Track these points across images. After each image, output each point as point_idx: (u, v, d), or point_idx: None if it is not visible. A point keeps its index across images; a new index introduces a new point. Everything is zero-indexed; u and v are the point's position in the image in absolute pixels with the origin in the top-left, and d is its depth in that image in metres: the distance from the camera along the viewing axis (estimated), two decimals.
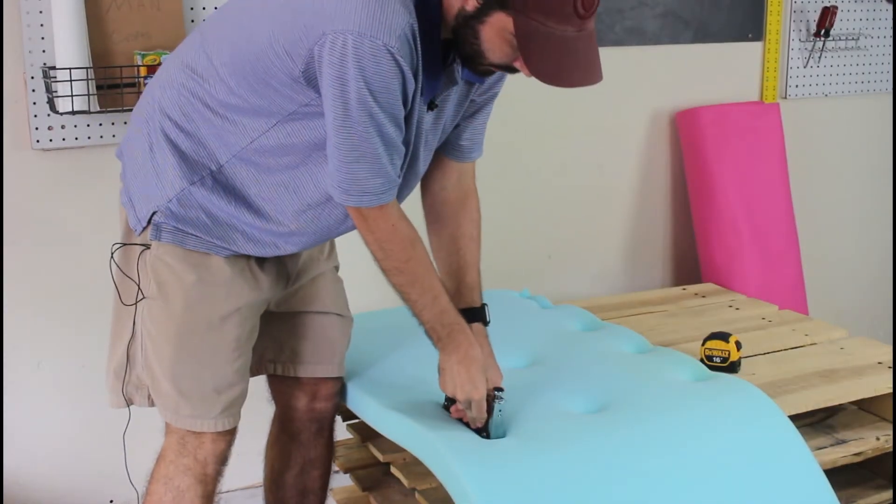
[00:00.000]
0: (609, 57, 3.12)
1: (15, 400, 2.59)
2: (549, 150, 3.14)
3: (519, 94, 3.01)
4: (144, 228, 1.83)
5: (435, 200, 2.02)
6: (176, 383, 1.86)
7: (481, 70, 1.73)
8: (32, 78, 2.43)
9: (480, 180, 3.06)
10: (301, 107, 1.72)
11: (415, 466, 2.02)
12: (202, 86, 1.78)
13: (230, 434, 1.93)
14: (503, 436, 1.86)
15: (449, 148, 1.98)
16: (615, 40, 3.13)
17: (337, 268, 2.14)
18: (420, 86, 1.70)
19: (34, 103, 2.45)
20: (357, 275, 2.85)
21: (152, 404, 1.93)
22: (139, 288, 1.86)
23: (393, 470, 2.10)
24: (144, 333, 1.87)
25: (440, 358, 1.88)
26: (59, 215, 2.57)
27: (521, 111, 3.04)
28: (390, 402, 1.99)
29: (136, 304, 1.87)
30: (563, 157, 3.17)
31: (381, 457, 2.14)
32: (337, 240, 2.18)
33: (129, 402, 1.94)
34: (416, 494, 2.03)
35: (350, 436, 2.33)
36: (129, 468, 2.04)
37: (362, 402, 2.07)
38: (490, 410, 1.87)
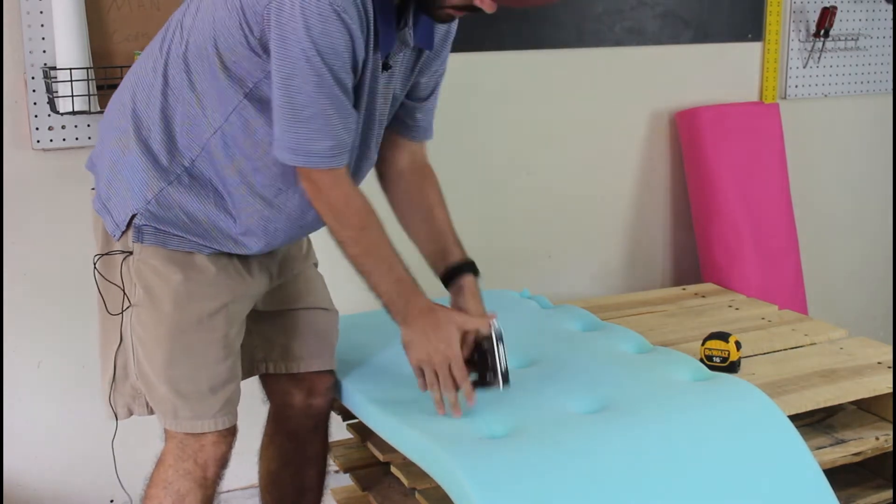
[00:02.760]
0: (609, 57, 3.16)
1: (15, 400, 2.60)
2: (549, 150, 3.15)
3: (519, 94, 3.03)
4: (124, 233, 1.83)
5: (395, 185, 2.04)
6: (172, 385, 1.86)
7: (442, 15, 1.75)
8: (33, 78, 2.44)
9: (482, 180, 3.06)
10: (259, 82, 1.73)
11: (415, 466, 2.02)
12: (172, 79, 1.79)
13: (230, 435, 1.94)
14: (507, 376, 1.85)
15: (403, 128, 2.00)
16: (615, 40, 3.14)
17: (316, 264, 2.16)
18: (372, 46, 1.72)
19: (34, 103, 2.45)
20: (353, 275, 2.85)
21: (152, 412, 1.93)
22: (125, 295, 1.86)
23: (393, 469, 2.10)
24: (135, 340, 1.87)
25: (403, 332, 1.87)
26: (59, 215, 2.57)
27: (520, 111, 3.05)
28: (389, 404, 1.99)
29: (122, 312, 1.87)
30: (563, 157, 3.17)
31: (381, 456, 2.14)
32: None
33: (128, 413, 1.95)
34: (416, 494, 2.03)
35: (350, 436, 2.33)
36: (119, 474, 2.04)
37: (361, 404, 2.07)
38: (491, 348, 1.84)
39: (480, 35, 2.94)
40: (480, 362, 1.89)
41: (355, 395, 2.10)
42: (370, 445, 2.18)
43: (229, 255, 1.89)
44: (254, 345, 2.06)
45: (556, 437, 1.84)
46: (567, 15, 3.04)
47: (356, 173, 1.91)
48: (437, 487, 1.87)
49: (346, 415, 2.29)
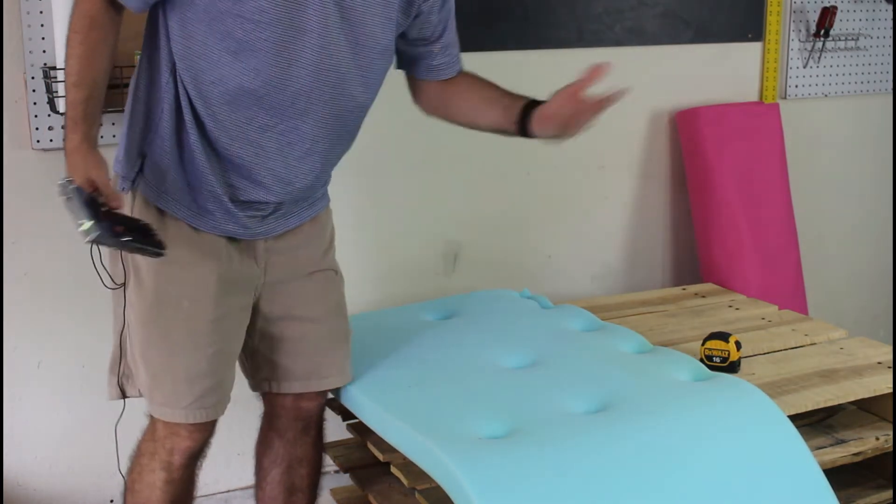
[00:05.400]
0: (609, 57, 3.14)
1: (15, 400, 2.60)
2: (549, 150, 3.13)
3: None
4: (133, 181, 1.85)
5: (438, 110, 2.07)
6: (148, 368, 1.88)
7: None
8: (33, 78, 2.44)
9: (482, 180, 3.06)
10: None
11: (415, 466, 2.02)
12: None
13: (201, 431, 1.94)
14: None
15: (429, 72, 2.03)
16: (615, 40, 3.13)
17: (336, 271, 2.12)
18: None
19: (34, 103, 2.45)
20: (356, 275, 2.85)
21: (142, 394, 1.95)
22: (125, 272, 1.88)
23: (393, 469, 2.10)
24: (128, 320, 1.90)
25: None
26: (59, 215, 2.56)
27: None
28: (389, 404, 1.99)
29: (122, 287, 1.88)
30: (563, 157, 3.17)
31: (381, 456, 2.14)
32: (335, 239, 2.17)
33: (120, 394, 1.96)
34: (416, 494, 2.03)
35: (350, 436, 2.33)
36: (120, 461, 2.06)
37: (360, 404, 2.08)
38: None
39: (481, 35, 2.94)
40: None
41: (355, 395, 2.10)
42: (370, 445, 2.18)
43: (217, 237, 1.89)
44: (257, 364, 2.07)
45: (556, 437, 1.85)
46: (567, 15, 3.04)
47: (315, 108, 1.83)
48: (437, 487, 1.88)
49: (346, 415, 2.29)
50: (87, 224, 1.70)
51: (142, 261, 1.84)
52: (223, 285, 1.90)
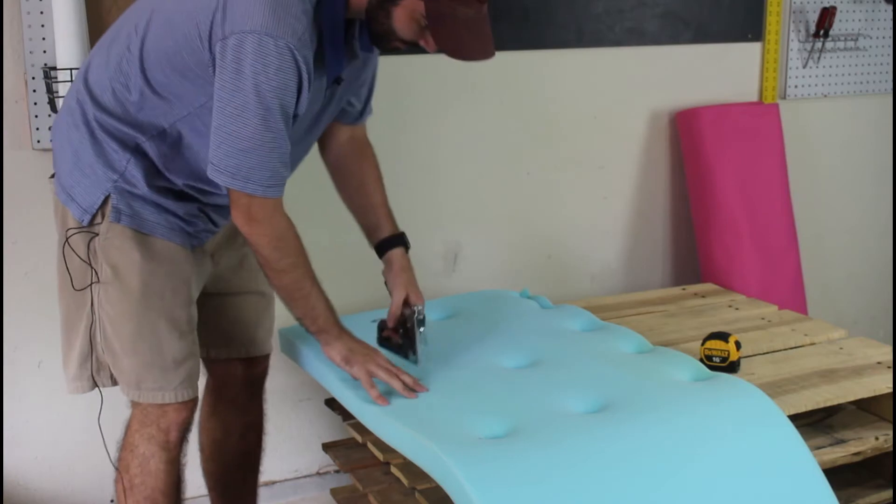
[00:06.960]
0: (609, 57, 3.16)
1: (15, 400, 2.60)
2: (549, 150, 3.15)
3: (519, 94, 3.03)
4: (93, 217, 1.93)
5: (336, 161, 2.20)
6: (139, 358, 1.96)
7: (390, 47, 1.90)
8: (33, 78, 2.44)
9: (482, 180, 3.07)
10: (210, 99, 1.83)
11: (414, 466, 2.02)
12: (128, 73, 1.90)
13: (192, 402, 2.03)
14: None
15: (341, 115, 2.15)
16: (615, 40, 3.14)
17: None
18: (315, 72, 1.84)
19: (34, 103, 2.45)
20: (357, 274, 2.85)
21: (115, 383, 2.02)
22: (93, 272, 1.95)
23: (393, 469, 2.10)
24: (102, 315, 1.96)
25: (338, 348, 2.03)
26: None
27: (520, 111, 3.05)
28: (387, 406, 1.99)
29: (89, 287, 1.95)
30: (563, 157, 3.17)
31: (381, 456, 2.14)
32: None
33: (92, 385, 2.03)
34: (416, 494, 2.03)
35: (350, 436, 2.33)
36: (108, 450, 2.08)
37: (360, 404, 2.07)
38: (412, 327, 2.08)
39: None
40: (404, 336, 2.14)
41: (354, 397, 2.10)
42: (370, 445, 2.19)
43: (183, 238, 2.00)
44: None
45: (556, 437, 1.85)
46: (567, 15, 3.04)
47: (293, 164, 2.02)
48: (437, 487, 1.88)
49: (346, 415, 2.28)
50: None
51: (120, 260, 1.93)
52: (192, 277, 2.02)
